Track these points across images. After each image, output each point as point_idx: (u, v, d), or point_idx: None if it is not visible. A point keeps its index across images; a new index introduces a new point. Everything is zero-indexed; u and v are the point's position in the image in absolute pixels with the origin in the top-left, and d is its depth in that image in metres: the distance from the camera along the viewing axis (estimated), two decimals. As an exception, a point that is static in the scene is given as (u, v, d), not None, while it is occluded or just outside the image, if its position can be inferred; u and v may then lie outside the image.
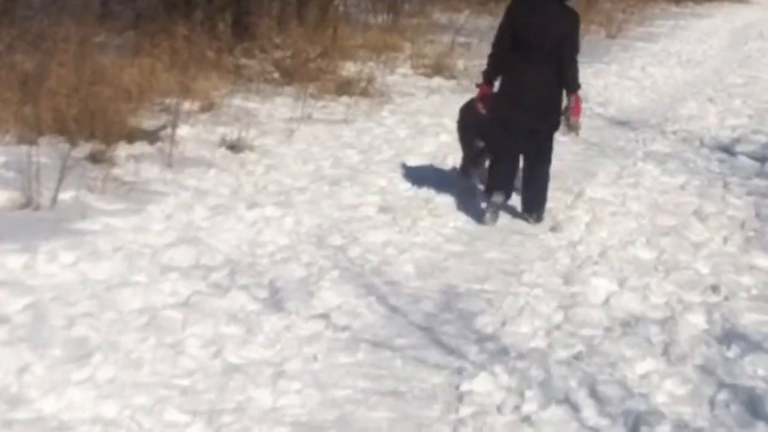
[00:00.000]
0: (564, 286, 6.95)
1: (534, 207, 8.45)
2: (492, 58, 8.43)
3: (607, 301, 6.71)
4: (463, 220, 8.36)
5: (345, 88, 12.76)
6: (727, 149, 11.53)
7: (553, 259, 7.49)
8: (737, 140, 12.00)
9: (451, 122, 11.45)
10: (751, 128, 12.76)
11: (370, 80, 13.05)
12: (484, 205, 8.42)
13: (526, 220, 8.43)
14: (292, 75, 12.99)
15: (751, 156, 11.19)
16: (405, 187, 9.08)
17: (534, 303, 6.56)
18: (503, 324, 6.24)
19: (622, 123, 12.30)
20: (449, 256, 7.51)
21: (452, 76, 14.53)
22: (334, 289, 6.56)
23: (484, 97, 8.45)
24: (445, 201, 8.72)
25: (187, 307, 6.09)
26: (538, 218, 8.40)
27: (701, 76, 17.06)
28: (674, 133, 12.30)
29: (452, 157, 10.06)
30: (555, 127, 8.39)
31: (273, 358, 5.59)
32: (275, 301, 6.30)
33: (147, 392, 5.05)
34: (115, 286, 6.25)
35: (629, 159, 10.78)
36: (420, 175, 9.35)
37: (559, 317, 6.39)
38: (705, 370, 5.74)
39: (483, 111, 8.44)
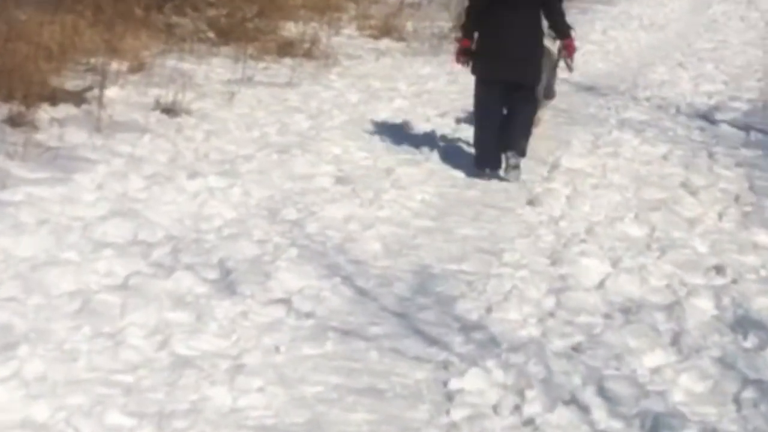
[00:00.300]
0: (551, 267, 6.50)
1: (512, 145, 8.19)
2: (470, 10, 8.43)
3: (602, 284, 6.25)
4: (429, 192, 7.96)
5: (287, 49, 12.29)
6: (707, 117, 11.43)
7: (535, 237, 7.07)
8: (715, 108, 11.85)
9: (405, 87, 10.97)
10: (728, 95, 12.61)
11: (314, 41, 12.61)
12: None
13: (500, 178, 8.19)
14: (228, 35, 12.48)
15: (734, 124, 11.05)
16: (362, 155, 8.67)
17: (521, 286, 6.09)
18: (488, 310, 5.76)
19: (589, 88, 12.18)
20: (418, 232, 7.08)
21: (401, 38, 14.22)
22: (293, 269, 6.08)
23: (463, 50, 8.39)
24: (408, 171, 8.34)
25: (125, 289, 5.57)
26: (516, 164, 8.17)
27: (666, 40, 17.01)
28: (647, 99, 12.09)
29: (409, 125, 9.75)
30: (537, 80, 8.42)
31: (229, 349, 5.06)
32: (227, 284, 5.79)
33: (84, 391, 4.53)
34: (42, 264, 5.73)
35: (603, 127, 10.50)
36: (377, 143, 9.08)
37: (550, 302, 5.93)
38: (723, 363, 5.27)
39: (461, 65, 8.49)
